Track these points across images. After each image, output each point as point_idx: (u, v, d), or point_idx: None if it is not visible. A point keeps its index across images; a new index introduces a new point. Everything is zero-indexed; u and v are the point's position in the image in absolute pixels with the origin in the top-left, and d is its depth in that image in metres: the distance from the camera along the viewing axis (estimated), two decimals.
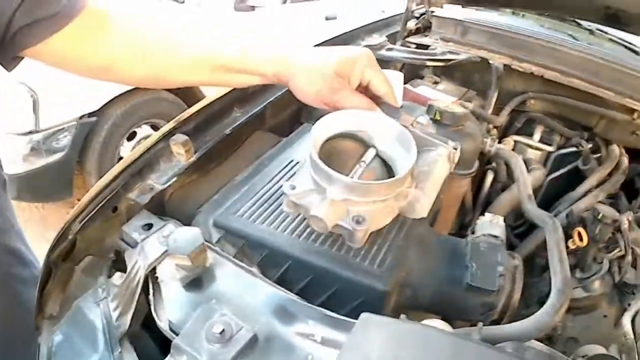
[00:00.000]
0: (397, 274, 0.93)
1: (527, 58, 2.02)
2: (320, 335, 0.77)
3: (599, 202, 1.81)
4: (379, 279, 0.91)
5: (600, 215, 1.56)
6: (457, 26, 2.16)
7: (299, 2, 5.00)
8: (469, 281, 0.96)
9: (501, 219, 1.16)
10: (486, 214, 1.19)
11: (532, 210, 1.30)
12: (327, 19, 5.27)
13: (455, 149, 1.16)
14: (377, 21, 2.26)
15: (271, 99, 1.49)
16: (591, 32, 2.45)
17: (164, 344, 0.79)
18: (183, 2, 4.09)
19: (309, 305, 0.83)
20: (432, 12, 2.17)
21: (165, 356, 0.74)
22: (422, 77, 2.07)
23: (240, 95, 1.42)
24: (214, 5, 4.21)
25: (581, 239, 1.56)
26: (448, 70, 2.11)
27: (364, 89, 1.05)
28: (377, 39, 2.06)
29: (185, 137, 1.17)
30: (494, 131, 1.93)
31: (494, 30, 2.11)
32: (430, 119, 1.42)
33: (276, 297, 0.85)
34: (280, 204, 1.03)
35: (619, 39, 2.34)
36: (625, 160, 1.99)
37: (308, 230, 0.98)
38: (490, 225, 1.14)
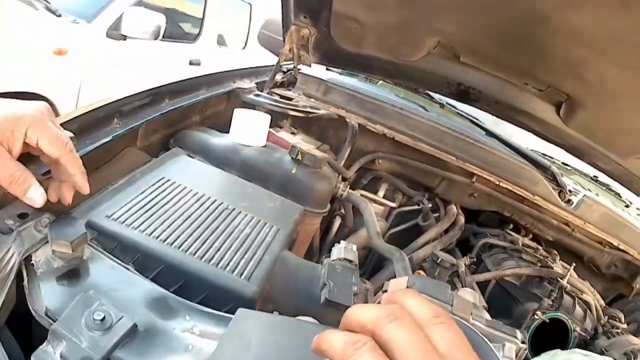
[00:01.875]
0: (262, 286, 1.02)
1: (381, 121, 2.22)
2: (199, 329, 0.83)
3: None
4: (247, 287, 0.99)
5: (440, 259, 1.74)
6: (320, 85, 2.33)
7: (171, 41, 5.06)
8: (327, 296, 1.05)
9: (355, 246, 1.28)
10: (341, 241, 1.30)
11: (381, 245, 1.47)
12: (191, 63, 5.38)
13: (524, 342, 0.94)
14: (248, 68, 2.39)
15: (147, 118, 1.53)
16: (442, 105, 2.76)
17: (28, 347, 0.79)
18: (60, 16, 3.95)
19: (187, 301, 0.88)
20: (299, 69, 2.33)
21: (28, 357, 0.74)
22: (281, 127, 2.20)
23: (122, 107, 1.45)
24: (87, 31, 4.13)
25: None
26: (305, 124, 2.26)
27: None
28: (247, 83, 2.19)
29: (71, 134, 1.16)
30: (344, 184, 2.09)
31: (353, 93, 2.31)
32: (292, 158, 1.55)
33: (154, 292, 0.89)
34: (152, 215, 1.09)
35: (466, 113, 2.64)
36: (462, 219, 2.23)
37: (180, 238, 1.05)
38: (345, 250, 1.25)
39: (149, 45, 4.64)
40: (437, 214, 2.30)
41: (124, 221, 1.06)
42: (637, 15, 1.37)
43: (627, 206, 2.71)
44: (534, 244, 2.28)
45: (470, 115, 2.65)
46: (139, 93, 1.54)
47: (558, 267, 2.07)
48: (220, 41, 6.13)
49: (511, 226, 2.41)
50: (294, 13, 1.97)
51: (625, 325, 2.01)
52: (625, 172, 2.11)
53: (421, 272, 1.76)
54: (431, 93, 2.79)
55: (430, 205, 2.27)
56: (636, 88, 1.69)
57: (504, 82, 2.02)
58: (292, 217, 1.38)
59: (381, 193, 2.34)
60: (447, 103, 2.77)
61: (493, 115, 2.22)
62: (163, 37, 4.58)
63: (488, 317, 0.93)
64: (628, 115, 1.86)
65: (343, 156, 2.16)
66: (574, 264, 2.07)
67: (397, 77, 2.40)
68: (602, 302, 2.11)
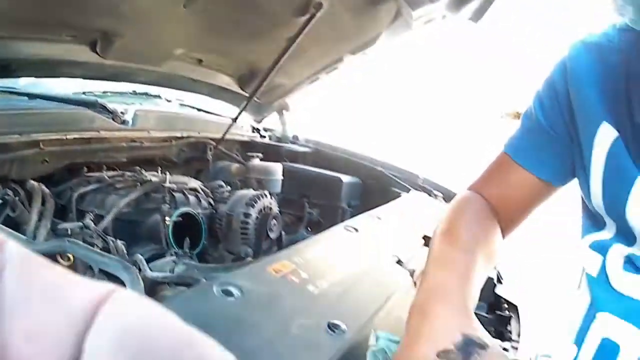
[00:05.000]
0: None
1: None
2: None
3: None
4: None
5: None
6: None
7: None
8: None
9: None
10: None
11: None
12: None
13: None
14: None
15: None
16: None
17: None
18: None
19: None
20: None
21: None
22: None
23: None
24: None
25: None
26: None
27: None
28: None
29: None
30: None
31: None
32: None
33: None
34: None
35: (3, 87, 2.41)
36: (45, 188, 2.14)
37: None
38: None
39: None
40: (17, 197, 2.12)
41: None
42: None
43: (169, 101, 3.10)
44: (116, 172, 2.36)
45: (7, 87, 2.43)
46: None
47: (152, 176, 2.28)
48: None
49: (85, 169, 2.36)
50: None
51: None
52: (165, 74, 2.47)
53: None
54: None
55: (9, 192, 2.05)
56: (160, 5, 2.00)
57: (40, 42, 2.02)
58: None
59: None
60: None
61: (38, 77, 2.19)
62: None
63: None
64: (159, 29, 2.17)
65: None
66: (160, 167, 2.45)
67: None
68: (200, 183, 2.46)
